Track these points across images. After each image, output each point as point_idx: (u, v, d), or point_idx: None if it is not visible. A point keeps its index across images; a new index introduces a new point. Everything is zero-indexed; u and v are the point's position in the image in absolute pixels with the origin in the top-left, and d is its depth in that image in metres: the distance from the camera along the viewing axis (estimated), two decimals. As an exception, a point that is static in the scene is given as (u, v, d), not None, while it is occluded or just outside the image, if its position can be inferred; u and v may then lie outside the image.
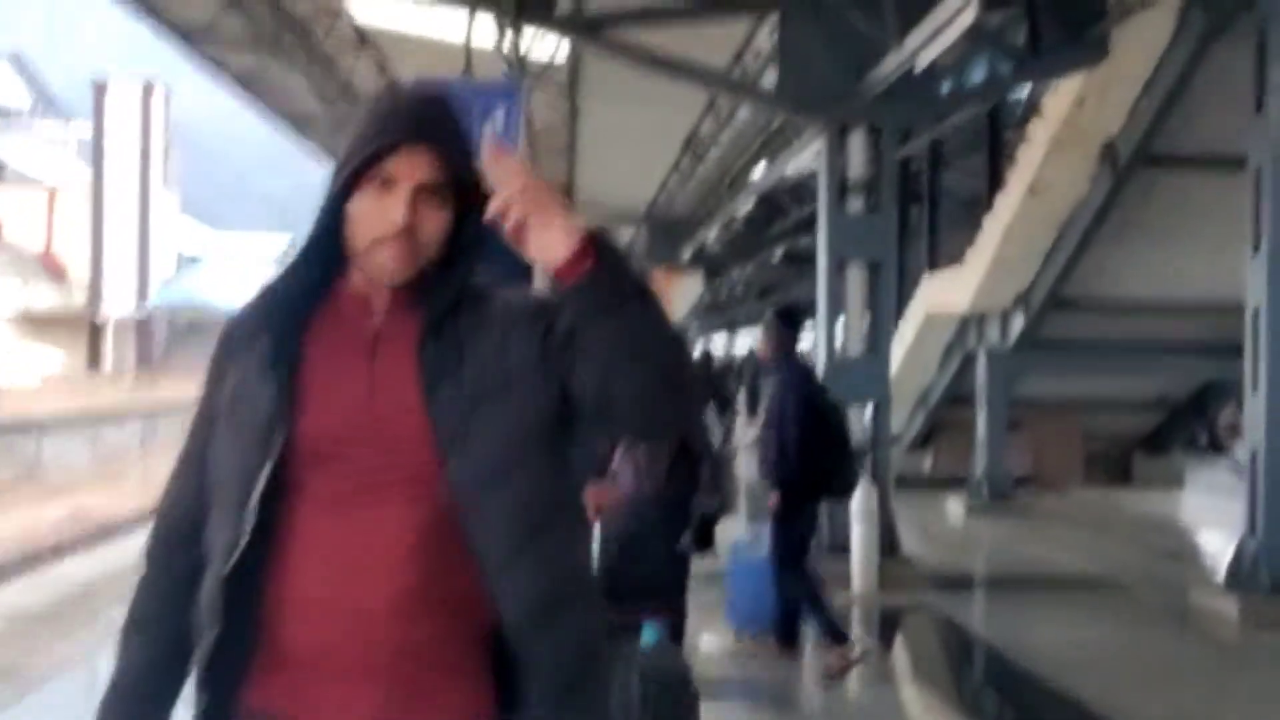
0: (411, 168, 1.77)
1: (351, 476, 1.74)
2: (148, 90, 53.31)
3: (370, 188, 1.78)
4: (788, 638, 7.40)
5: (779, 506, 7.12)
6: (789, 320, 7.54)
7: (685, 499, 5.70)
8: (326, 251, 1.85)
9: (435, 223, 1.80)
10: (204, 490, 1.85)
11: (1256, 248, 8.66)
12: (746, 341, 50.40)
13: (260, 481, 1.73)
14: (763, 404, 7.75)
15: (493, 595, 1.72)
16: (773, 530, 7.27)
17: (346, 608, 1.71)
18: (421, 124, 1.80)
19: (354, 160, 1.78)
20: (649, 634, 4.92)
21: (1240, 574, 8.59)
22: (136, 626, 1.90)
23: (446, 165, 1.79)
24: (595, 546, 4.14)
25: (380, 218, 1.77)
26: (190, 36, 15.44)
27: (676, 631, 5.59)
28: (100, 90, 53.26)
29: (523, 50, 13.35)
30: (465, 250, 1.85)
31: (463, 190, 1.82)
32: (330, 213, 1.82)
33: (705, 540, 6.14)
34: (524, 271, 3.56)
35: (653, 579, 5.37)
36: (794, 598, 7.30)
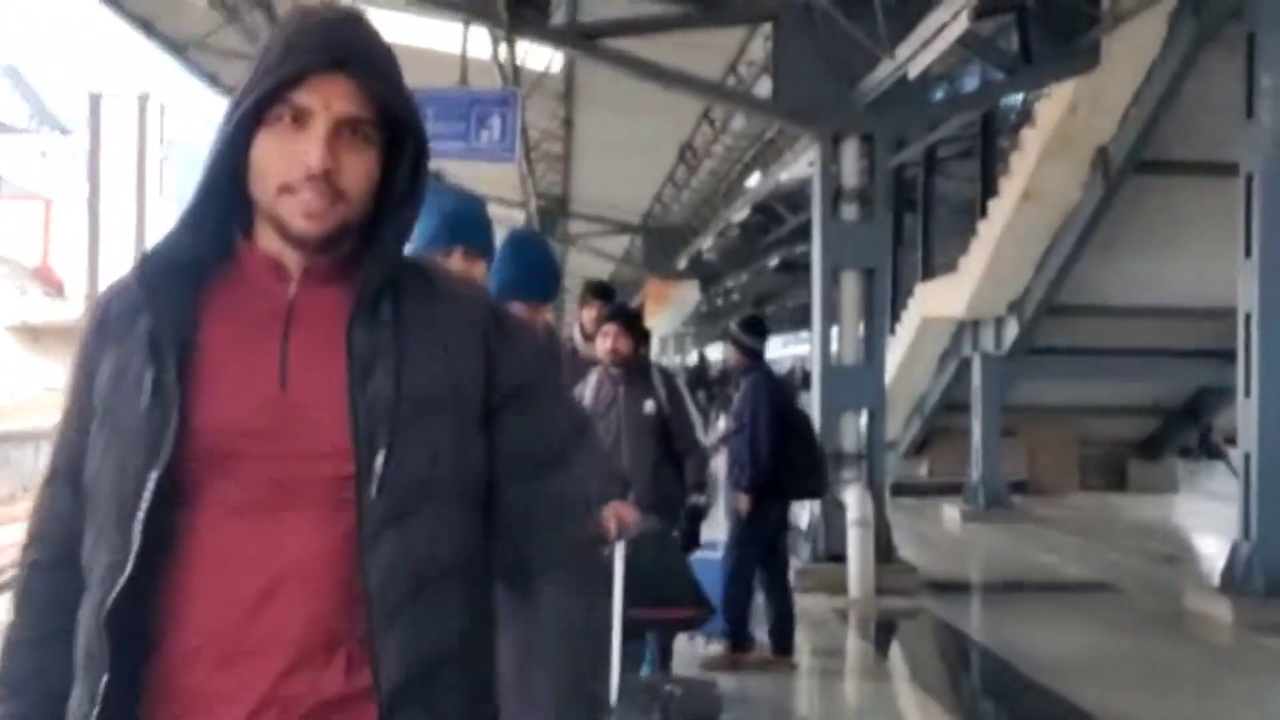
0: (328, 97, 1.44)
1: (259, 479, 1.43)
2: (143, 103, 53.39)
3: (278, 125, 1.45)
4: (781, 644, 7.41)
5: (748, 509, 7.22)
6: (754, 329, 7.70)
7: (672, 499, 5.75)
8: (226, 206, 1.51)
9: (359, 166, 1.47)
10: (80, 509, 1.49)
11: (1248, 253, 8.71)
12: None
13: (148, 490, 1.40)
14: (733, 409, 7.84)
15: (372, 646, 1.40)
16: (735, 532, 7.36)
17: (252, 643, 1.40)
18: (340, 46, 1.46)
19: (257, 90, 1.44)
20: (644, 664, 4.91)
21: (1235, 577, 8.63)
22: (7, 692, 1.52)
23: (371, 96, 1.46)
24: (619, 566, 4.06)
25: (290, 160, 1.44)
26: (186, 50, 15.49)
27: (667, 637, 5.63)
28: (96, 103, 53.33)
29: (518, 60, 13.44)
30: (398, 206, 1.53)
31: (392, 129, 1.50)
32: (228, 157, 1.48)
33: (692, 539, 6.19)
34: (529, 284, 3.53)
35: (664, 580, 5.38)
36: (781, 597, 7.37)
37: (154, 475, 1.40)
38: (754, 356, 7.61)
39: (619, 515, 3.83)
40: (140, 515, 1.39)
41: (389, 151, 1.51)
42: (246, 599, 1.40)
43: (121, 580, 1.38)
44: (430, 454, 1.45)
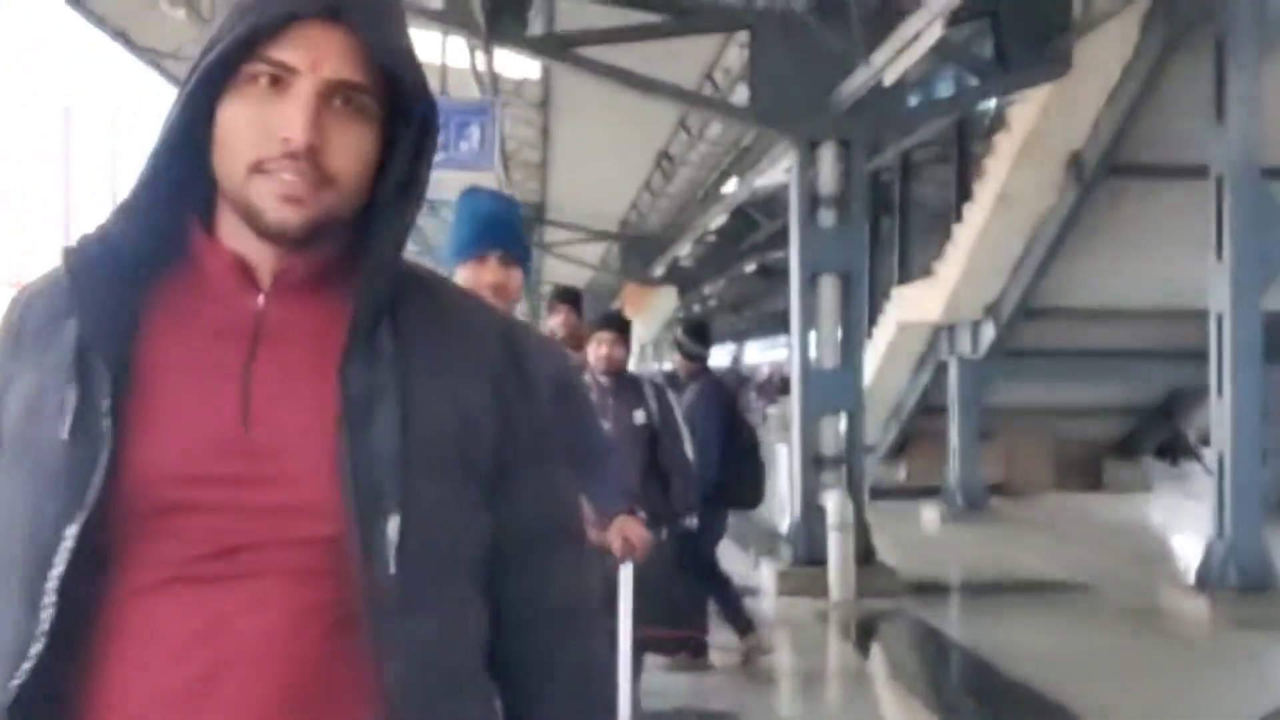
0: (316, 54, 1.13)
1: (208, 539, 1.12)
2: (115, 114, 53.16)
3: (250, 87, 1.14)
4: (740, 627, 7.39)
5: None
6: (699, 336, 7.67)
7: (658, 515, 5.70)
8: (181, 189, 1.20)
9: (352, 144, 1.16)
10: None
11: (1219, 254, 8.83)
12: (723, 353, 50.59)
13: (65, 547, 1.08)
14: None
15: None
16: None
17: None
18: None
19: (225, 40, 1.14)
20: None
21: (1209, 574, 8.75)
22: None
23: (371, 57, 1.15)
24: (627, 589, 3.89)
25: (265, 131, 1.13)
26: (161, 59, 15.47)
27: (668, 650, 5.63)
28: (68, 116, 53.09)
29: (496, 69, 13.50)
30: (397, 198, 1.21)
31: (394, 99, 1.19)
32: (186, 127, 1.17)
33: (683, 561, 6.16)
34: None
35: (664, 602, 5.33)
36: (722, 591, 7.37)
37: (73, 530, 1.08)
38: (700, 363, 7.58)
39: (626, 532, 3.59)
40: (54, 579, 1.08)
41: (389, 127, 1.20)
42: (175, 691, 1.09)
43: (29, 663, 1.08)
44: (445, 522, 1.18)
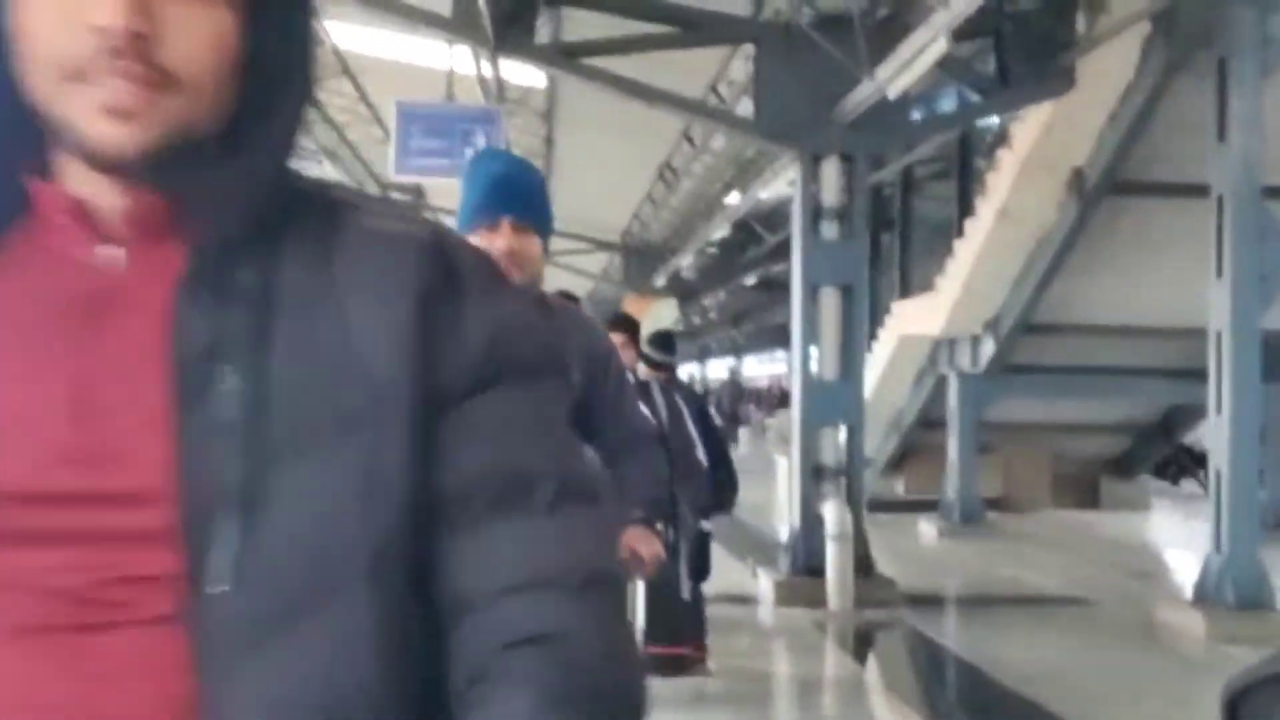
0: None
1: (49, 580, 0.82)
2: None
3: None
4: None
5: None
6: (663, 345, 7.70)
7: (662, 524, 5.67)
8: (5, 130, 0.88)
9: (198, 26, 0.84)
10: None
11: (1219, 273, 8.88)
12: (722, 366, 50.68)
13: None
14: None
15: None
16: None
17: None
18: None
19: None
20: None
21: (1206, 590, 8.79)
22: None
23: None
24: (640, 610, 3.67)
25: (72, 23, 0.81)
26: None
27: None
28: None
29: (502, 76, 13.57)
30: (271, 93, 0.89)
31: None
32: None
33: (703, 565, 6.16)
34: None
35: (668, 618, 5.32)
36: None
37: None
38: (667, 371, 7.60)
39: (637, 545, 3.23)
40: None
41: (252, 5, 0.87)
42: None
43: None
44: (322, 512, 0.83)
